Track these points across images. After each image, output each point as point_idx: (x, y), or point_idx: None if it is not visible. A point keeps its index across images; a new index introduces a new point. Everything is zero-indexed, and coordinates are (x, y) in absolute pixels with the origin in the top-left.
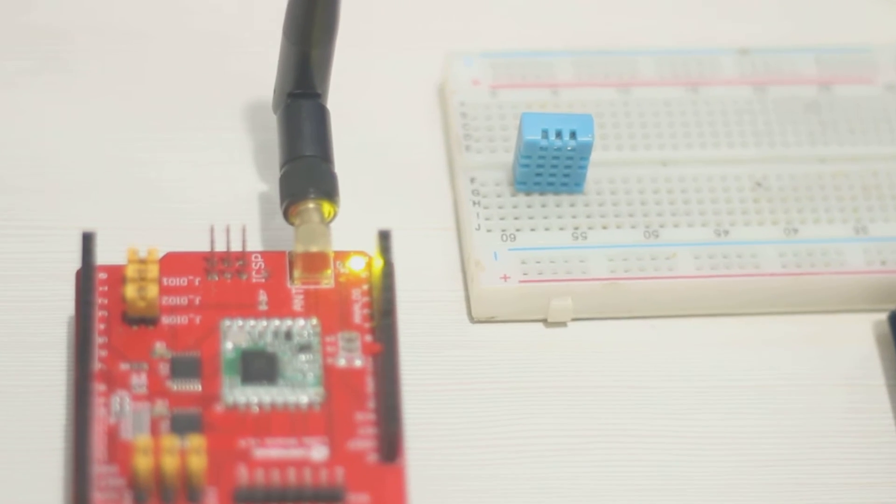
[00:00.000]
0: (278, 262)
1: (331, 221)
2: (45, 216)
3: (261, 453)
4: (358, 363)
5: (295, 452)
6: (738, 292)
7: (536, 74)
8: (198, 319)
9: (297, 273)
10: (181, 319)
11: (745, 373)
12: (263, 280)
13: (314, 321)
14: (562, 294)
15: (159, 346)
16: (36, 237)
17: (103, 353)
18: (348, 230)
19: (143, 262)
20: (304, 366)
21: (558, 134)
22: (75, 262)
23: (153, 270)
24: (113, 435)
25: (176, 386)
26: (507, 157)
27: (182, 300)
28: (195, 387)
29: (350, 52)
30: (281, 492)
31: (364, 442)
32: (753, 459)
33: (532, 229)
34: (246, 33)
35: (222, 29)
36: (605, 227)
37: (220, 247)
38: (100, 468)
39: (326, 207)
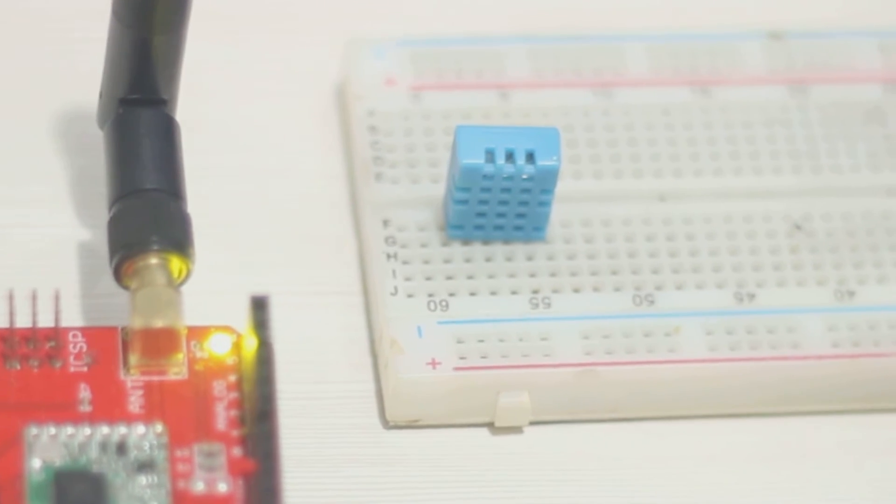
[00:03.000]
0: (107, 343)
1: (182, 283)
2: None
3: None
4: (222, 488)
5: None
6: (770, 383)
7: (477, 69)
8: None
9: (134, 358)
10: None
11: (784, 497)
12: (86, 368)
13: (158, 428)
14: (515, 386)
15: None
16: None
17: None
18: (208, 296)
19: None
20: (145, 492)
21: (509, 156)
22: None
23: None
24: None
25: None
26: (437, 190)
27: None
28: None
29: (210, 40)
30: None
31: None
32: None
33: (472, 294)
34: (66, 10)
35: (32, 4)
36: (577, 291)
37: (22, 321)
38: None
39: (176, 263)
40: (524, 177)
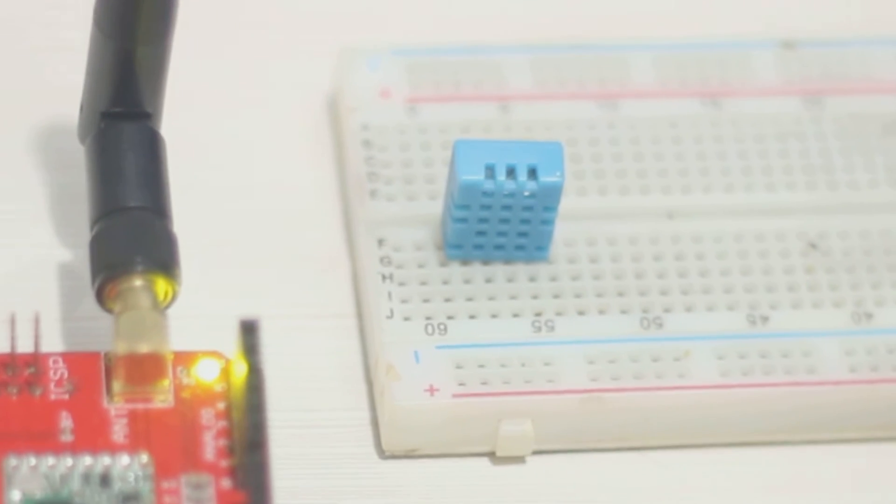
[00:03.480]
0: (89, 369)
1: (168, 306)
2: None
3: None
4: None
5: None
6: (785, 410)
7: (477, 81)
8: None
9: (117, 385)
10: None
11: None
12: (67, 396)
13: (144, 458)
14: (517, 414)
15: None
16: None
17: None
18: (195, 319)
19: None
20: None
21: (510, 172)
22: None
23: None
24: None
25: None
26: (435, 208)
27: None
28: None
29: (196, 50)
30: None
31: None
32: None
33: (472, 316)
34: (45, 19)
35: (9, 12)
36: (581, 314)
37: (0, 347)
38: None
39: (161, 285)
40: (526, 193)
